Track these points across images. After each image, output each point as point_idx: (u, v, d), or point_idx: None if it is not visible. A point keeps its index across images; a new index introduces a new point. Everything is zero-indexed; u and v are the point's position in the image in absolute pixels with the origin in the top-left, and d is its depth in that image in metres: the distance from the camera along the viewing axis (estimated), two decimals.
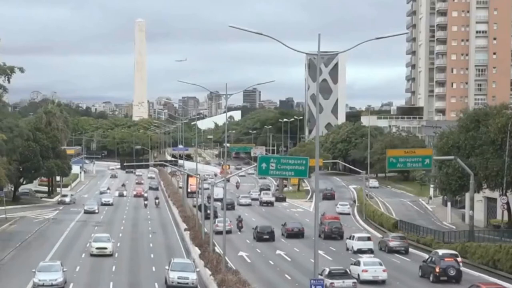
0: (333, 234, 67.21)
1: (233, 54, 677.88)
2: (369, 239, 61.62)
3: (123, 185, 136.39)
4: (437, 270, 46.72)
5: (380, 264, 47.79)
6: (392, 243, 61.00)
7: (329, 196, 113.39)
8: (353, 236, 61.45)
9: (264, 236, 67.03)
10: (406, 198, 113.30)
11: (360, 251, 58.55)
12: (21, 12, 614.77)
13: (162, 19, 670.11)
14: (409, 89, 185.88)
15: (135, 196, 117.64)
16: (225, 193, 51.92)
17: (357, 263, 48.34)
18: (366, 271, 47.03)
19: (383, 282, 46.92)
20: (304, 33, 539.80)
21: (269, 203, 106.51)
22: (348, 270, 45.97)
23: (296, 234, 69.82)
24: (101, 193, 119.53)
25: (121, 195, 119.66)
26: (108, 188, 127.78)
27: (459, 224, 79.93)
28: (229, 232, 64.72)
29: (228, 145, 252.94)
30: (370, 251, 59.30)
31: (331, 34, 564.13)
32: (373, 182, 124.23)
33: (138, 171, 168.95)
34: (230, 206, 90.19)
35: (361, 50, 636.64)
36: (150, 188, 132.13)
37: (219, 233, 57.90)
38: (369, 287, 46.22)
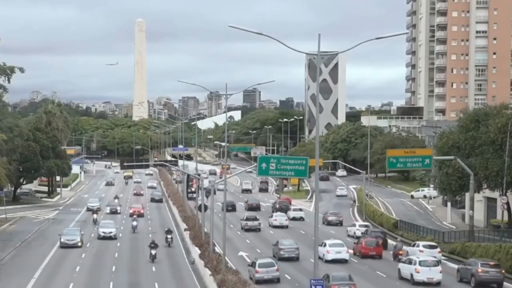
0: (281, 210, 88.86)
1: (233, 54, 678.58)
2: (300, 210, 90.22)
3: (116, 197, 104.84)
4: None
5: (285, 217, 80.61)
6: (330, 218, 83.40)
7: (325, 178, 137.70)
8: (290, 208, 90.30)
9: (228, 208, 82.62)
10: (406, 198, 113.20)
11: (294, 219, 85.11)
12: (22, 12, 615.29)
13: (163, 19, 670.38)
14: (409, 89, 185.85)
15: (131, 215, 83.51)
16: (225, 193, 51.86)
17: (271, 216, 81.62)
18: (276, 220, 79.16)
19: (286, 227, 77.97)
20: (308, 32, 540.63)
21: (248, 191, 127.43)
22: (257, 217, 77.92)
23: (254, 208, 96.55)
24: (89, 209, 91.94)
25: (113, 211, 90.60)
26: (97, 210, 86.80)
27: (459, 224, 79.93)
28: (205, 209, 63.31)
29: (226, 144, 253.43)
30: (301, 218, 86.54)
31: (336, 34, 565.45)
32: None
33: (137, 177, 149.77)
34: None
35: (363, 50, 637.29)
36: (153, 200, 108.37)
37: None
38: (277, 229, 76.03)
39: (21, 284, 45.92)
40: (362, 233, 67.04)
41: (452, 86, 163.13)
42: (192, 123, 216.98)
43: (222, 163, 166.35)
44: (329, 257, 53.96)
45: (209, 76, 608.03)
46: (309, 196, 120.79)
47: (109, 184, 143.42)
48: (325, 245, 55.10)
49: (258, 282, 45.27)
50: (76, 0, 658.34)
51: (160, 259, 56.09)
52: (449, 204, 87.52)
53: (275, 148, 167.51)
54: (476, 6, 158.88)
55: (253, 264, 46.79)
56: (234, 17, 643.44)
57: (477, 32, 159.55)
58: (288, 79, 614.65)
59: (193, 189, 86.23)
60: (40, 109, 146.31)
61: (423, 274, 46.24)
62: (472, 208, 65.79)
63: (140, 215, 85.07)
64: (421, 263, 46.95)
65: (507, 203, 65.94)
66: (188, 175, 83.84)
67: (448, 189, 70.65)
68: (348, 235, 70.42)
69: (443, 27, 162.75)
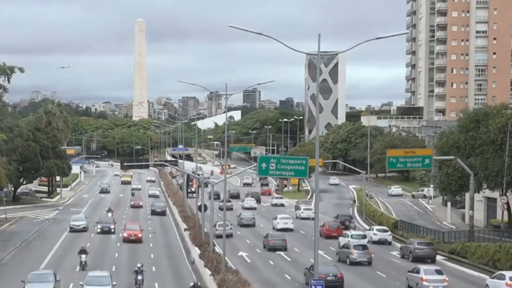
0: (253, 197, 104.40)
1: (233, 54, 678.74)
2: (281, 198, 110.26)
3: (110, 211, 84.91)
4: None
5: (254, 201, 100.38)
6: (301, 205, 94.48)
7: None
8: (260, 197, 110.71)
9: (213, 196, 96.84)
10: (406, 198, 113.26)
11: (276, 205, 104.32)
12: (22, 12, 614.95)
13: (164, 19, 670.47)
14: (409, 89, 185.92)
15: (126, 240, 65.40)
16: (225, 193, 51.84)
17: (243, 201, 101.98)
18: (246, 203, 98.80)
19: (255, 208, 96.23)
20: (312, 32, 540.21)
21: (248, 185, 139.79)
22: (230, 199, 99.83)
23: (234, 196, 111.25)
24: (72, 229, 72.13)
25: (105, 231, 71.15)
26: (84, 229, 72.59)
27: (459, 224, 79.96)
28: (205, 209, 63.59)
29: (227, 144, 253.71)
30: (282, 205, 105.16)
31: (339, 33, 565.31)
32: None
33: (136, 183, 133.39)
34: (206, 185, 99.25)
35: (366, 50, 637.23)
36: (154, 213, 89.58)
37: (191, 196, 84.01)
38: (248, 210, 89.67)
39: (21, 284, 45.86)
40: (335, 217, 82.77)
41: (452, 86, 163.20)
42: (192, 123, 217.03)
43: (222, 162, 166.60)
44: (279, 226, 74.94)
45: (209, 76, 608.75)
46: (309, 196, 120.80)
47: (104, 191, 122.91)
48: (276, 218, 77.70)
49: (218, 236, 57.34)
50: (81, 1, 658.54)
51: (160, 259, 56.08)
52: (449, 204, 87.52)
53: (275, 148, 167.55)
54: (476, 6, 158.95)
55: (215, 225, 58.66)
56: (237, 17, 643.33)
57: (477, 32, 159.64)
58: (288, 79, 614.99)
59: (193, 189, 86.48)
60: (40, 109, 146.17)
61: (355, 246, 56.97)
62: (472, 208, 65.78)
63: (138, 240, 65.10)
64: (352, 236, 60.64)
65: (507, 203, 65.95)
66: (188, 175, 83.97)
67: (448, 189, 70.65)
68: (296, 217, 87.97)
69: (443, 27, 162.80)
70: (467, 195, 73.16)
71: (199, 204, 64.55)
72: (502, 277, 41.86)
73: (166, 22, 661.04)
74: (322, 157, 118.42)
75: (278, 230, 72.92)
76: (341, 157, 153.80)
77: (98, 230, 71.04)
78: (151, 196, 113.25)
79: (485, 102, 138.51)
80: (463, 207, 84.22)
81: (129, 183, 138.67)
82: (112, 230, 71.25)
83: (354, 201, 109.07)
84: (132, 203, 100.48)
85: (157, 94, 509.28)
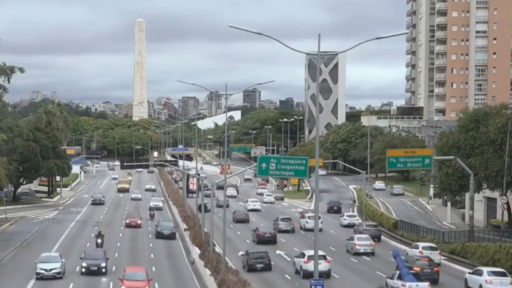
0: (233, 188, 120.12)
1: (234, 54, 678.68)
2: (265, 189, 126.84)
3: (99, 235, 60.20)
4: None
5: (234, 190, 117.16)
6: (267, 198, 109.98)
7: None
8: (238, 187, 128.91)
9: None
10: (406, 198, 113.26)
11: (261, 194, 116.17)
12: (23, 13, 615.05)
13: (166, 19, 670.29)
14: (409, 89, 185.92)
15: None
16: (225, 193, 51.87)
17: (227, 189, 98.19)
18: (228, 192, 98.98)
19: (235, 196, 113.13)
20: (315, 32, 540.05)
21: (248, 180, 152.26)
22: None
23: (219, 188, 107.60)
24: (40, 275, 47.32)
25: (93, 270, 49.26)
26: (57, 275, 47.78)
27: (459, 224, 79.95)
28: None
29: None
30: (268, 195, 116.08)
31: (344, 33, 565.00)
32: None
33: (135, 193, 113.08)
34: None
35: (369, 50, 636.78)
36: (160, 236, 68.13)
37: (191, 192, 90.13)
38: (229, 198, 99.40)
39: (21, 284, 45.90)
40: (327, 203, 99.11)
41: (452, 86, 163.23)
42: (192, 123, 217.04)
43: (222, 163, 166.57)
44: (249, 207, 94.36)
45: (209, 76, 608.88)
46: (309, 196, 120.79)
47: (96, 202, 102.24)
48: (247, 201, 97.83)
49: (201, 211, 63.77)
50: (82, 1, 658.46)
51: (160, 259, 56.06)
52: (449, 204, 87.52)
53: (275, 148, 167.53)
54: (476, 6, 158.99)
55: (200, 206, 64.34)
56: (238, 16, 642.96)
57: (477, 32, 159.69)
58: (288, 79, 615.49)
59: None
60: (40, 109, 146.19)
61: (310, 224, 71.48)
62: (472, 208, 65.76)
63: None
64: (309, 217, 73.75)
65: (507, 203, 65.94)
66: (188, 175, 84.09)
67: (448, 189, 70.64)
68: (261, 202, 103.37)
69: (443, 27, 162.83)
70: (467, 195, 73.15)
71: (199, 204, 64.80)
72: (416, 247, 55.60)
73: (166, 22, 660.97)
74: (322, 157, 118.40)
75: (249, 210, 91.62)
76: (341, 157, 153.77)
77: (83, 270, 49.30)
78: (152, 209, 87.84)
79: (485, 102, 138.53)
80: (463, 207, 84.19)
81: (127, 190, 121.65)
82: (103, 270, 49.47)
83: (354, 201, 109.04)
84: (127, 221, 77.74)
85: (157, 94, 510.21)
